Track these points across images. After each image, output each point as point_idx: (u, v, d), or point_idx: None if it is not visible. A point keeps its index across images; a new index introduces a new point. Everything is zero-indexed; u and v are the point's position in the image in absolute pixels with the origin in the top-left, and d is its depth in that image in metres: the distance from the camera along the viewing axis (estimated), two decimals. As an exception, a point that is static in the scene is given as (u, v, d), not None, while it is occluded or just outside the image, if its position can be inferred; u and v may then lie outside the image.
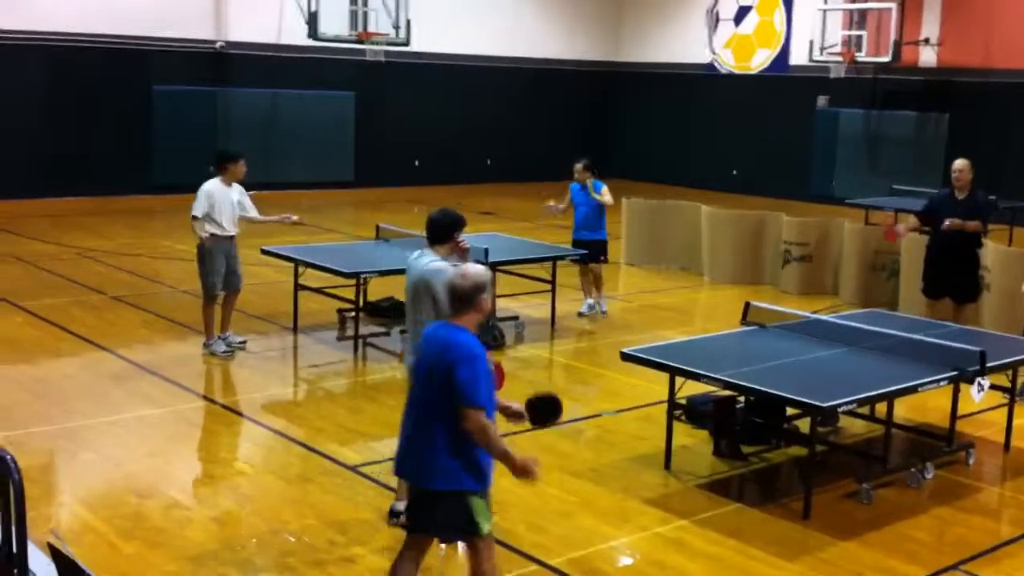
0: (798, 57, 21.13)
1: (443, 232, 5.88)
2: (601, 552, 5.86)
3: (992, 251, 11.34)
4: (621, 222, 14.57)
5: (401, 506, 5.73)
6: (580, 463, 7.20)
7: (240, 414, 8.14)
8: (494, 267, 10.43)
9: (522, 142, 22.73)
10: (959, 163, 9.80)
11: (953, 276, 9.73)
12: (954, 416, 7.16)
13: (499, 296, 10.79)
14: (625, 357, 7.12)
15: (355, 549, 5.80)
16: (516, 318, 10.58)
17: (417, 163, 21.73)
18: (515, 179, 21.93)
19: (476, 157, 22.46)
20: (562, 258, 10.82)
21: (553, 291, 10.73)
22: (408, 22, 19.56)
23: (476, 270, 4.73)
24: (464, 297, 4.61)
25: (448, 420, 4.46)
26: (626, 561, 5.85)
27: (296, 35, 19.28)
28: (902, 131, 19.96)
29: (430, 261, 5.81)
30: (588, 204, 11.05)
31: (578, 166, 11.04)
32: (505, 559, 5.76)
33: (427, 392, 4.55)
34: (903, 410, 8.09)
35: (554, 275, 10.67)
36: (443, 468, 4.49)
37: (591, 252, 11.02)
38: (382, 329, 10.19)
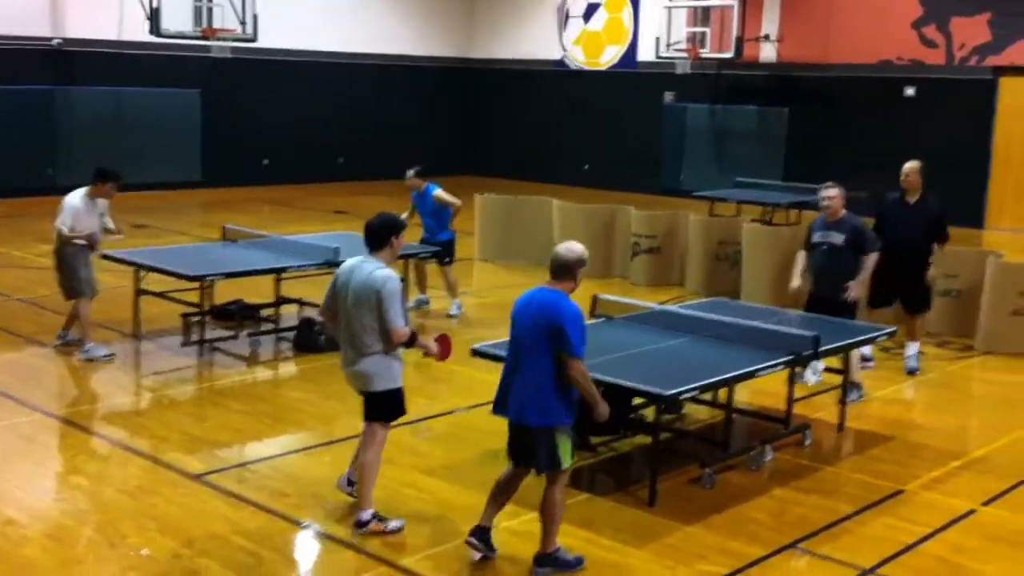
0: (646, 53, 21.57)
1: (382, 237, 5.91)
2: (453, 549, 5.86)
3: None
4: (474, 218, 14.62)
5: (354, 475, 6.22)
6: (434, 461, 7.20)
7: (78, 426, 7.82)
8: (344, 266, 10.35)
9: (375, 140, 22.54)
10: (908, 166, 9.33)
11: (906, 286, 9.32)
12: (791, 399, 7.44)
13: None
14: (476, 353, 7.14)
15: (202, 561, 5.65)
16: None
17: (266, 162, 21.31)
18: (369, 177, 21.74)
19: (328, 155, 22.17)
20: (415, 256, 10.78)
21: (406, 289, 10.67)
22: (255, 17, 19.15)
23: (580, 246, 5.54)
24: (567, 266, 5.45)
25: (549, 367, 5.29)
26: (478, 555, 5.85)
27: (138, 31, 18.65)
28: (746, 125, 20.59)
29: (375, 269, 5.83)
30: (426, 209, 11.03)
31: (410, 173, 10.98)
32: (359, 561, 5.72)
33: (532, 343, 5.33)
34: (745, 395, 8.37)
35: (407, 273, 10.62)
36: (542, 407, 5.33)
37: (439, 253, 11.02)
38: (229, 333, 9.97)
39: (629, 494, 6.67)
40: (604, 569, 5.66)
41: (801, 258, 8.77)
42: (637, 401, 7.35)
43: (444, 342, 6.23)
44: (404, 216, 11.14)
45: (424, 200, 11.00)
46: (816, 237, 8.64)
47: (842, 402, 8.06)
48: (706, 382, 6.61)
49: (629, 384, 6.52)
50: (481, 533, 5.63)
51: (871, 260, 8.53)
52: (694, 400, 7.52)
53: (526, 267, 14.11)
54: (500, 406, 5.60)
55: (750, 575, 5.65)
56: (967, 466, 7.40)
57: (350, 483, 6.44)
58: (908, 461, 7.47)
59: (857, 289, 8.50)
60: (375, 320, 5.78)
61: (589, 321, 8.02)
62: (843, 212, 8.61)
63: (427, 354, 6.22)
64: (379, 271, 5.81)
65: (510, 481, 5.74)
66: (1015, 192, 17.96)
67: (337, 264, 10.06)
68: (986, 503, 6.73)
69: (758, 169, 18.75)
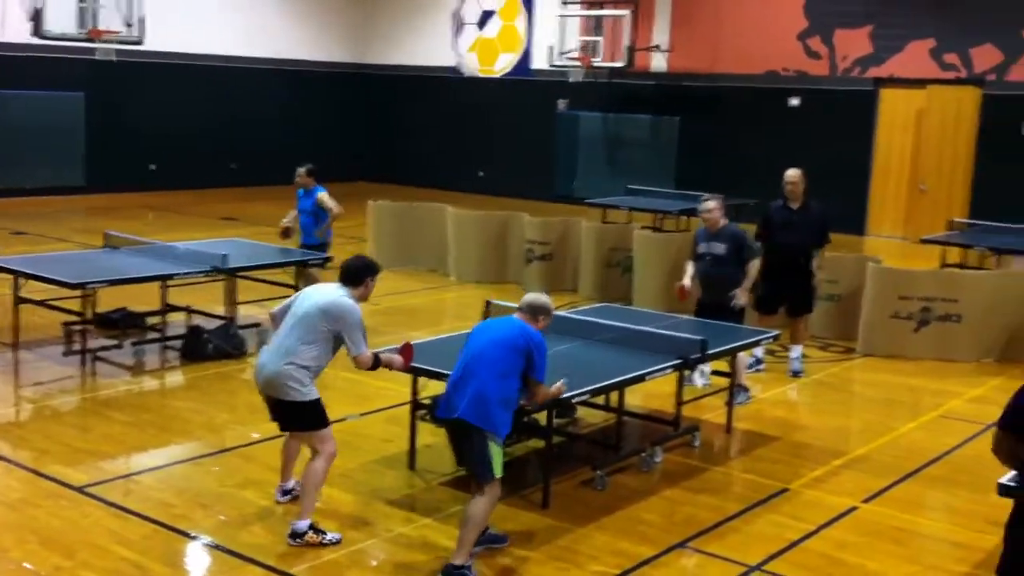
0: (539, 61, 21.75)
1: (357, 276, 6.07)
2: (345, 557, 5.80)
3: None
4: (367, 225, 14.52)
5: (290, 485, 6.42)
6: (324, 468, 7.10)
7: (-46, 439, 7.53)
8: (233, 273, 10.18)
9: (269, 145, 22.20)
10: (791, 174, 9.45)
11: (789, 290, 9.48)
12: (680, 402, 7.58)
13: (240, 303, 10.53)
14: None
15: (83, 573, 5.49)
16: (258, 325, 10.33)
17: (153, 167, 20.82)
18: (261, 183, 21.41)
19: (218, 160, 21.77)
20: (304, 263, 10.64)
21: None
22: (142, 20, 18.73)
23: (549, 300, 6.04)
24: (541, 310, 5.92)
25: (505, 383, 5.61)
26: (371, 563, 5.81)
27: (20, 33, 18.07)
28: (637, 133, 20.90)
29: (345, 295, 5.98)
30: (307, 208, 10.89)
31: (301, 171, 10.83)
32: (248, 571, 5.62)
33: (499, 358, 5.62)
34: (636, 399, 8.49)
35: (297, 280, 10.48)
36: (487, 413, 5.53)
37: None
38: (113, 342, 9.71)
39: (523, 497, 6.69)
40: (499, 573, 5.67)
41: (690, 267, 8.92)
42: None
43: (407, 351, 6.34)
44: (287, 220, 11.02)
45: (308, 199, 10.85)
46: (701, 248, 8.81)
47: (729, 404, 8.25)
48: (597, 386, 6.68)
49: (522, 388, 6.55)
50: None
51: (753, 267, 8.72)
52: (586, 404, 7.58)
53: (419, 273, 14.10)
54: (445, 409, 5.73)
55: (641, 575, 5.73)
56: (849, 464, 7.63)
57: (284, 493, 6.45)
58: (793, 461, 7.67)
59: (742, 296, 8.69)
60: (318, 336, 5.85)
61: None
62: (723, 222, 8.77)
63: (391, 368, 6.32)
64: (347, 298, 5.97)
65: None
66: (894, 200, 18.62)
67: (226, 270, 9.93)
68: (867, 500, 6.95)
69: (650, 176, 19.05)
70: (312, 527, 5.91)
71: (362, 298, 6.07)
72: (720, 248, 8.67)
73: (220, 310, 10.49)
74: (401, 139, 24.02)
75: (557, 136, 21.77)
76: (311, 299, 6.03)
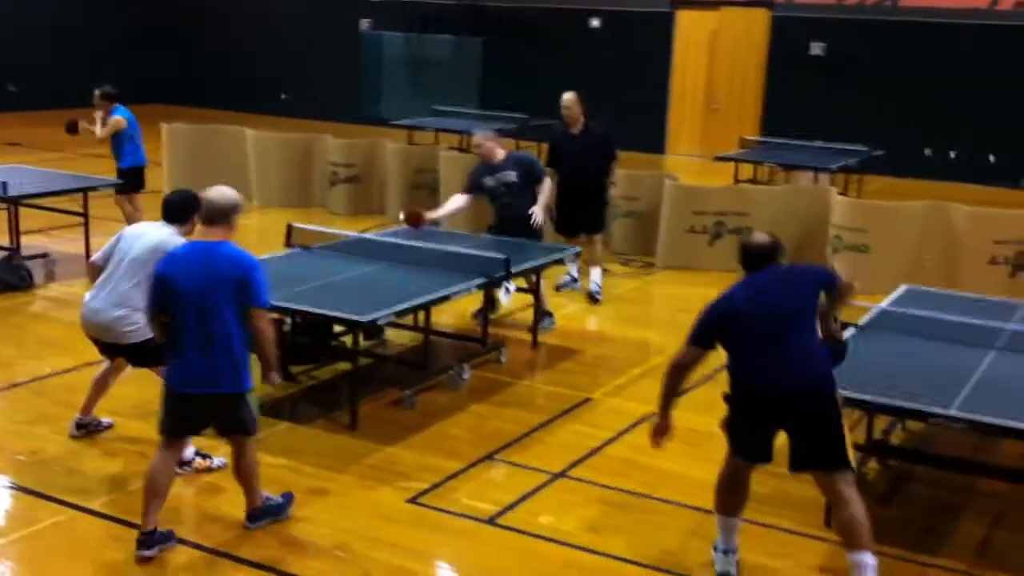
0: (340, -21, 21.22)
1: (182, 213, 5.75)
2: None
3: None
4: (162, 149, 13.94)
5: None
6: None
7: None
8: (16, 202, 9.61)
9: (53, 66, 20.86)
10: (565, 98, 9.39)
11: (583, 212, 9.52)
12: (485, 319, 7.69)
13: (25, 232, 9.96)
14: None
15: None
16: (46, 255, 9.81)
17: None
18: (47, 106, 20.12)
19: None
20: (94, 189, 10.13)
21: (86, 225, 10.04)
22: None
23: (232, 191, 5.26)
24: (224, 212, 5.12)
25: (236, 324, 4.94)
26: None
27: None
28: (442, 54, 20.73)
29: (172, 233, 5.68)
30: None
31: (96, 93, 10.30)
32: (44, 508, 5.42)
33: (216, 304, 4.91)
34: (446, 318, 8.57)
35: (86, 207, 9.99)
36: (236, 371, 4.96)
37: (126, 182, 10.41)
38: None
39: (331, 420, 6.69)
40: (307, 496, 5.66)
41: (458, 200, 8.62)
42: (338, 329, 7.39)
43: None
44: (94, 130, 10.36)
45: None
46: (489, 182, 8.54)
47: (533, 330, 8.38)
48: (403, 306, 6.69)
49: (328, 312, 6.51)
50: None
51: (547, 185, 8.67)
52: (393, 325, 7.60)
53: (222, 199, 13.67)
54: (195, 381, 4.98)
55: (449, 487, 5.84)
56: (647, 373, 7.94)
57: (80, 427, 6.25)
58: (595, 372, 7.93)
59: (540, 214, 8.63)
60: (147, 276, 5.43)
61: (284, 252, 7.95)
62: (501, 152, 8.63)
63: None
64: (175, 237, 5.63)
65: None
66: (691, 119, 19.23)
67: (8, 198, 9.37)
68: (664, 406, 7.26)
69: (455, 98, 18.99)
70: (197, 452, 5.86)
71: (187, 235, 5.76)
72: (511, 176, 8.52)
73: (3, 240, 9.90)
74: (199, 60, 23.04)
75: (361, 57, 21.36)
76: (140, 241, 5.76)
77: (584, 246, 9.64)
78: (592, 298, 9.76)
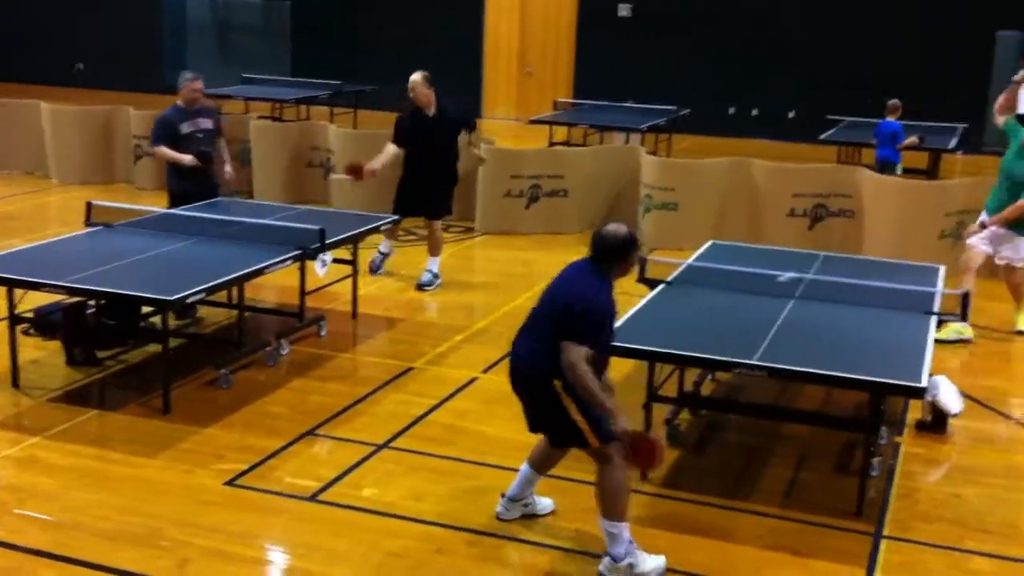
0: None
1: None
2: (-59, 490, 5.33)
3: (334, 134, 12.01)
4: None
5: None
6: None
7: None
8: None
9: None
10: (414, 79, 8.85)
11: (428, 195, 9.09)
12: (303, 292, 7.55)
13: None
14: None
15: None
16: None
17: None
18: None
19: None
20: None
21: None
22: None
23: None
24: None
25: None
26: (-27, 494, 5.39)
27: None
28: (249, 19, 20.15)
29: None
30: None
31: None
32: None
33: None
34: (264, 293, 8.38)
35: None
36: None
37: None
38: None
39: (143, 404, 6.44)
40: (117, 483, 5.45)
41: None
42: (147, 309, 7.12)
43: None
44: None
45: None
46: (186, 128, 8.30)
47: (353, 301, 8.23)
48: (212, 283, 6.47)
49: (133, 293, 6.26)
50: None
51: (223, 143, 8.71)
52: (205, 302, 7.38)
53: (16, 178, 12.96)
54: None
55: (270, 466, 5.72)
56: (469, 339, 7.98)
57: None
58: (417, 340, 7.90)
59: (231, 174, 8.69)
60: None
61: (85, 230, 7.58)
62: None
63: None
64: None
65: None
66: (505, 82, 19.35)
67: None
68: (485, 370, 7.31)
69: (265, 65, 18.50)
70: None
71: None
72: (207, 123, 8.45)
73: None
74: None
75: (162, 23, 20.49)
76: None
77: (392, 232, 9.28)
78: (422, 288, 9.18)
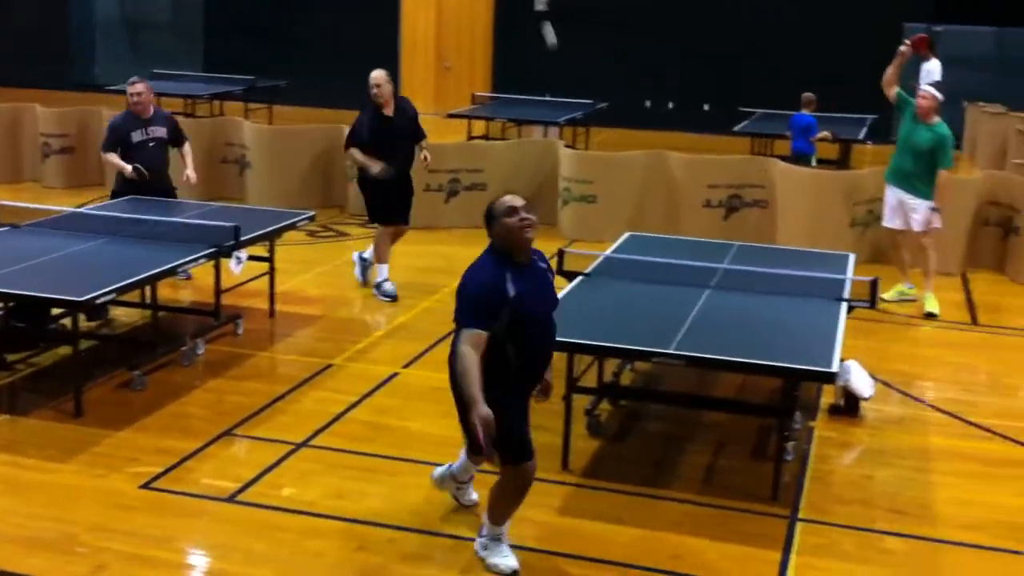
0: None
1: None
2: None
3: (250, 130, 11.87)
4: None
5: None
6: None
7: None
8: None
9: None
10: (375, 76, 8.49)
11: (402, 200, 8.74)
12: (218, 290, 7.43)
13: None
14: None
15: None
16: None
17: None
18: None
19: None
20: None
21: None
22: None
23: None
24: None
25: None
26: None
27: None
28: (160, 15, 19.78)
29: None
30: None
31: None
32: None
33: None
34: (181, 293, 8.24)
35: None
36: None
37: None
38: None
39: (54, 408, 6.29)
40: (30, 491, 5.32)
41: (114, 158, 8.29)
42: (57, 311, 6.96)
43: None
44: None
45: None
46: (137, 136, 8.25)
47: (271, 292, 8.11)
48: (124, 283, 6.34)
49: (42, 294, 6.12)
50: None
51: (187, 147, 8.70)
52: (118, 303, 7.23)
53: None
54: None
55: (186, 468, 5.63)
56: (390, 334, 7.95)
57: None
58: (337, 337, 7.84)
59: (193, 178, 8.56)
60: None
61: (-9, 231, 7.38)
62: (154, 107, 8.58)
63: None
64: None
65: None
66: (423, 77, 19.26)
67: None
68: (406, 366, 7.29)
69: (177, 59, 18.17)
70: None
71: None
72: (161, 132, 8.42)
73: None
74: None
75: (70, 17, 19.99)
76: None
77: (387, 236, 8.86)
78: (386, 296, 8.77)
